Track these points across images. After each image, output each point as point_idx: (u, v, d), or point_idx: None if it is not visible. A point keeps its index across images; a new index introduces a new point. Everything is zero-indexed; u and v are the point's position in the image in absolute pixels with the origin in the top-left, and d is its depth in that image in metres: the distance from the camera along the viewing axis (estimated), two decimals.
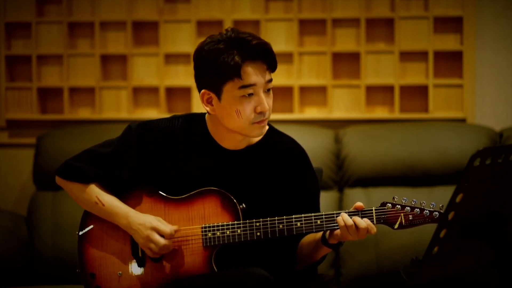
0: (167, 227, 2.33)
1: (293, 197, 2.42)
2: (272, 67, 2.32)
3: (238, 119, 2.29)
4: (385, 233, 3.57)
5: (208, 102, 2.33)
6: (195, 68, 2.35)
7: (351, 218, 2.26)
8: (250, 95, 2.28)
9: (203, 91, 2.33)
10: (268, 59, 2.30)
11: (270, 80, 2.32)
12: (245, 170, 2.40)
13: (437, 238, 1.85)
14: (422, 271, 1.92)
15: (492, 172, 1.85)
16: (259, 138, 2.43)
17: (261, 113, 2.30)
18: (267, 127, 2.45)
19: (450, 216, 1.84)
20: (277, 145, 2.45)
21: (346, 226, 2.25)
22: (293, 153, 2.45)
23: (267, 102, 2.30)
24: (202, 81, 2.33)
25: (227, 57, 2.25)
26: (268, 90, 2.32)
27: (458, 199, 1.82)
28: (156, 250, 2.33)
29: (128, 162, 2.41)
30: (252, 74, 2.27)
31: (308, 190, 2.46)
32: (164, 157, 2.41)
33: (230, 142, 2.39)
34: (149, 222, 2.34)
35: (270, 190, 2.41)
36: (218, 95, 2.30)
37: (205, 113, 2.45)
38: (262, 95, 2.29)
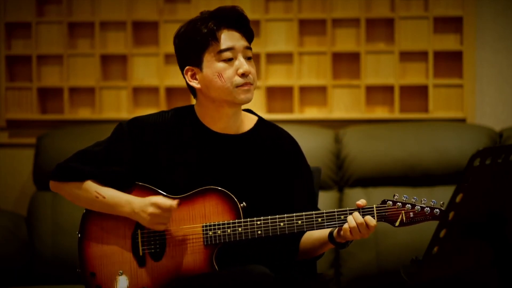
0: (166, 201, 2.32)
1: (287, 185, 2.44)
2: (247, 35, 2.38)
3: (221, 82, 2.33)
4: (385, 233, 3.58)
5: (193, 77, 2.38)
6: (175, 49, 2.41)
7: (362, 217, 2.28)
8: (230, 60, 2.34)
9: (186, 68, 2.39)
10: (242, 26, 2.37)
11: (249, 48, 2.38)
12: (238, 156, 2.42)
13: (437, 238, 1.85)
14: (422, 271, 1.92)
15: (492, 172, 1.85)
16: (250, 126, 2.46)
17: (244, 75, 2.34)
18: (253, 112, 2.50)
19: (450, 216, 1.84)
20: (269, 134, 2.47)
21: (357, 224, 2.26)
22: (284, 141, 2.48)
23: (250, 69, 2.34)
24: (183, 59, 2.40)
25: (201, 25, 2.34)
26: (249, 58, 2.37)
27: (458, 199, 1.82)
28: (165, 223, 2.33)
29: (122, 157, 2.41)
30: (228, 39, 2.34)
31: (302, 177, 2.48)
32: (157, 149, 2.41)
33: (220, 123, 2.41)
34: (149, 199, 2.34)
35: (263, 177, 2.42)
36: (200, 66, 2.35)
37: (193, 105, 2.47)
38: (242, 59, 2.34)
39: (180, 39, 2.39)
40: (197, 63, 2.36)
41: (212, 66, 2.34)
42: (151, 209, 2.32)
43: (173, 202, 2.31)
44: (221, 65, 2.33)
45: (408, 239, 3.53)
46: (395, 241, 3.58)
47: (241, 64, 2.34)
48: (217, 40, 2.32)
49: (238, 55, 2.34)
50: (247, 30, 2.38)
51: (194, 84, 2.38)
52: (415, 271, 1.92)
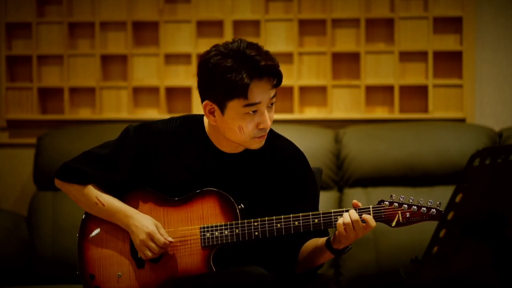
0: (161, 238, 2.33)
1: (292, 200, 2.42)
2: (277, 84, 2.30)
3: (240, 134, 2.29)
4: (384, 233, 3.58)
5: (211, 113, 2.32)
6: (200, 78, 2.31)
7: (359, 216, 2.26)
8: (254, 112, 2.27)
9: (206, 102, 2.31)
10: (274, 78, 2.28)
11: (274, 95, 2.31)
12: (243, 172, 2.40)
13: (436, 238, 1.85)
14: (422, 271, 1.92)
15: (492, 172, 1.85)
16: None
17: (263, 129, 2.30)
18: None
19: (450, 216, 1.84)
20: (275, 148, 2.44)
21: (352, 221, 2.25)
22: (291, 156, 2.45)
23: (269, 116, 2.29)
24: (206, 93, 2.31)
25: (235, 76, 2.22)
26: (271, 104, 2.31)
27: (457, 199, 1.82)
28: (149, 256, 2.34)
29: (126, 164, 2.41)
30: (258, 93, 2.25)
31: (307, 193, 2.46)
32: (162, 159, 2.41)
33: (228, 146, 2.39)
34: (147, 227, 2.34)
35: (268, 193, 2.41)
36: (222, 109, 2.28)
37: (202, 115, 2.43)
38: (266, 112, 2.28)
39: (207, 75, 2.29)
40: (220, 105, 2.28)
41: (235, 116, 2.27)
42: (144, 237, 2.33)
43: (167, 241, 2.33)
44: (244, 117, 2.27)
45: (408, 239, 3.53)
46: (394, 241, 3.58)
47: (264, 119, 2.27)
48: (247, 96, 2.23)
49: (263, 108, 2.27)
50: (279, 80, 2.29)
51: (211, 120, 2.33)
52: (415, 271, 1.93)
